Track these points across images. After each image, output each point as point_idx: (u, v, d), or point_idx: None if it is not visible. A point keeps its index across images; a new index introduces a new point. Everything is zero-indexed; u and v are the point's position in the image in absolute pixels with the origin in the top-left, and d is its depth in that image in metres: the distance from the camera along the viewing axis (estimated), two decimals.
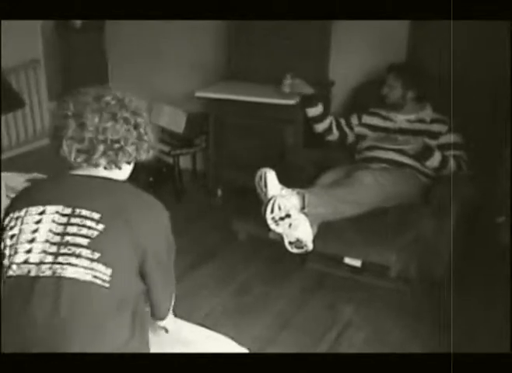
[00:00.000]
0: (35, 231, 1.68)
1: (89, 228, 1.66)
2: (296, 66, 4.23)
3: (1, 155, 4.13)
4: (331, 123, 3.77)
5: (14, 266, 1.66)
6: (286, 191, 2.88)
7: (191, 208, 4.49)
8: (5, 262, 1.69)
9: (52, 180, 1.92)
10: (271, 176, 2.86)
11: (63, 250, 1.65)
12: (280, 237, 2.88)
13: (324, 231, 2.94)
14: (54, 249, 1.66)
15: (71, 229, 1.66)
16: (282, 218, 2.80)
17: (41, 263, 1.64)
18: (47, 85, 5.87)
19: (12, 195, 2.69)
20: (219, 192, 4.58)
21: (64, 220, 1.68)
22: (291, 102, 3.96)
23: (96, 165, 1.81)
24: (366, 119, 3.71)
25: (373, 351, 2.84)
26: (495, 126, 3.57)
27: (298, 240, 2.84)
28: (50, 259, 1.65)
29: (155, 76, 5.01)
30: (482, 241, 3.49)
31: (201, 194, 4.69)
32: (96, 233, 1.66)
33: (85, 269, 1.63)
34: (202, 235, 4.03)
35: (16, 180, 2.99)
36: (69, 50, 6.15)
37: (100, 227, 1.67)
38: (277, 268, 3.59)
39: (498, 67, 3.59)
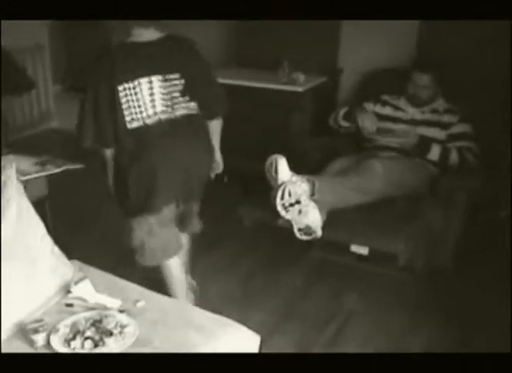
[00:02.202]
0: (152, 94, 2.57)
1: (179, 84, 2.63)
2: (305, 52, 4.22)
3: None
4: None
5: (149, 118, 2.58)
6: (296, 178, 2.87)
7: None
8: (137, 115, 2.57)
9: (127, 52, 2.60)
10: (282, 163, 2.85)
11: (172, 102, 2.61)
12: (289, 224, 2.88)
13: (333, 218, 2.93)
14: (168, 102, 2.60)
15: (170, 89, 2.60)
16: (291, 205, 2.79)
17: (163, 112, 2.59)
18: (52, 69, 5.86)
19: (23, 178, 2.70)
20: (225, 178, 4.57)
21: (165, 84, 2.59)
22: (299, 89, 3.95)
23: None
24: (378, 108, 3.67)
25: (376, 341, 2.86)
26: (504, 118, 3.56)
27: (307, 227, 2.83)
28: (169, 109, 2.60)
29: None
30: (487, 233, 3.49)
31: None
32: (181, 86, 2.63)
33: (186, 108, 2.65)
34: (206, 223, 4.02)
35: (26, 163, 2.99)
36: (74, 36, 6.15)
37: (182, 81, 2.63)
38: (281, 255, 3.60)
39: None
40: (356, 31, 4.25)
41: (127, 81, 2.53)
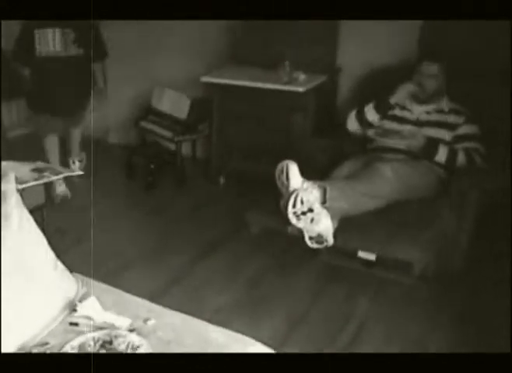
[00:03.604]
0: (54, 40, 3.94)
1: (71, 36, 3.99)
2: (304, 51, 4.11)
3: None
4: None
5: (49, 53, 3.98)
6: (308, 184, 2.76)
7: (193, 196, 4.37)
8: (43, 49, 3.97)
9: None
10: (293, 169, 2.74)
11: (66, 46, 3.99)
12: (299, 232, 2.77)
13: (345, 225, 2.83)
14: (63, 46, 3.99)
15: (65, 38, 3.97)
16: (304, 213, 2.68)
17: (59, 51, 3.98)
18: None
19: (20, 186, 2.56)
20: (222, 179, 4.46)
21: (63, 35, 3.96)
22: (300, 89, 3.83)
23: None
24: None
25: (390, 348, 2.75)
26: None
27: (319, 235, 2.73)
28: (63, 50, 4.00)
29: (157, 59, 4.84)
30: (500, 236, 3.41)
31: (202, 182, 4.57)
32: (73, 37, 3.99)
33: (75, 50, 4.03)
34: (207, 225, 3.92)
35: (21, 170, 2.84)
36: None
37: (74, 34, 4.00)
38: (287, 260, 3.49)
39: None
40: (355, 29, 4.13)
41: (39, 29, 3.93)
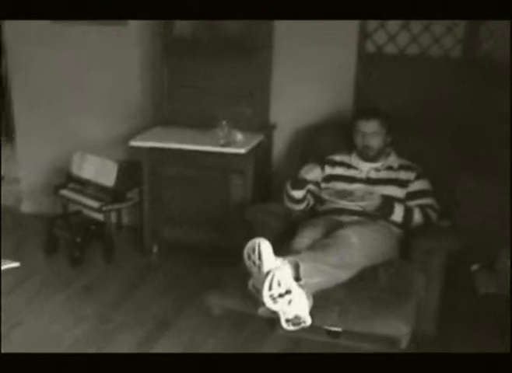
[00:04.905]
0: None
1: None
2: (237, 108, 3.92)
3: None
4: (307, 198, 3.38)
5: None
6: (280, 261, 2.52)
7: (127, 269, 4.00)
8: None
9: None
10: (266, 247, 2.48)
11: None
12: (272, 313, 2.52)
13: (320, 301, 2.60)
14: None
15: None
16: (281, 295, 2.43)
17: None
18: None
19: None
20: (155, 249, 4.14)
21: None
22: (241, 151, 3.61)
23: None
24: (329, 170, 3.41)
25: None
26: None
27: (296, 317, 2.48)
28: None
29: (77, 120, 4.49)
30: (462, 291, 3.34)
31: (132, 252, 4.23)
32: None
33: None
34: (148, 303, 3.58)
35: None
36: None
37: None
38: (243, 335, 3.21)
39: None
40: (288, 84, 4.02)
41: None
